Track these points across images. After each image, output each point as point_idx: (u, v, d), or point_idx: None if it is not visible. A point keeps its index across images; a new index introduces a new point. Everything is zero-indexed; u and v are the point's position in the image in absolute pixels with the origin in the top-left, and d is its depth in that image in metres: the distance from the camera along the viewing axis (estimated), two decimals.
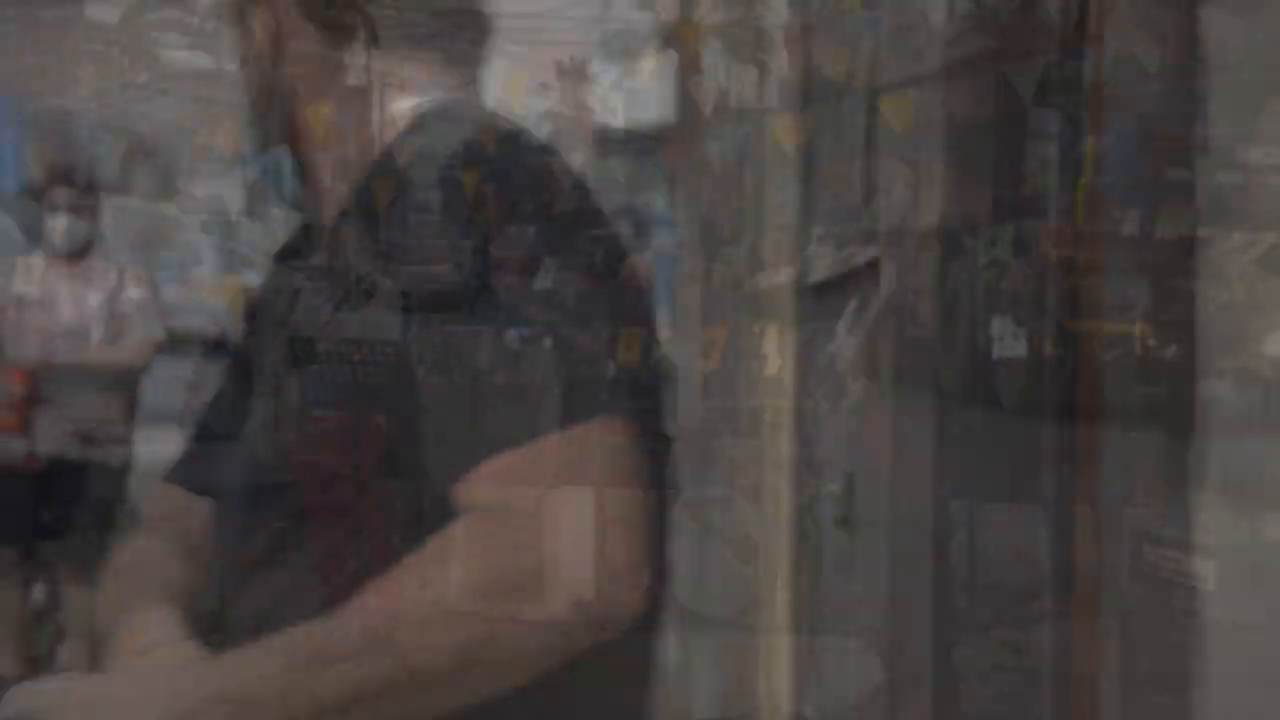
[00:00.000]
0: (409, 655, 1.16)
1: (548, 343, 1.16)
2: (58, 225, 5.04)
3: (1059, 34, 2.02)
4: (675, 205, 4.85)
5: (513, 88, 3.07)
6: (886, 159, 2.81)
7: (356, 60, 1.34)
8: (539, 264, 1.18)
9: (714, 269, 4.04)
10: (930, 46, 2.58)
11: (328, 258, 1.34)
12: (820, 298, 3.38)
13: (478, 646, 1.17)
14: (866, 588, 2.90)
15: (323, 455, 1.24)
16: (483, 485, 1.17)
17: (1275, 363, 1.62)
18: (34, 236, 5.17)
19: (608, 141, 8.89)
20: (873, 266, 2.92)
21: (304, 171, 1.43)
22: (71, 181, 5.06)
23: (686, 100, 4.24)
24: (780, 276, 3.54)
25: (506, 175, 1.25)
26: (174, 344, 5.27)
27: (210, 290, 9.31)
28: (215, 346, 2.76)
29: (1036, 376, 2.06)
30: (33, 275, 5.06)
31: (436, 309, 1.20)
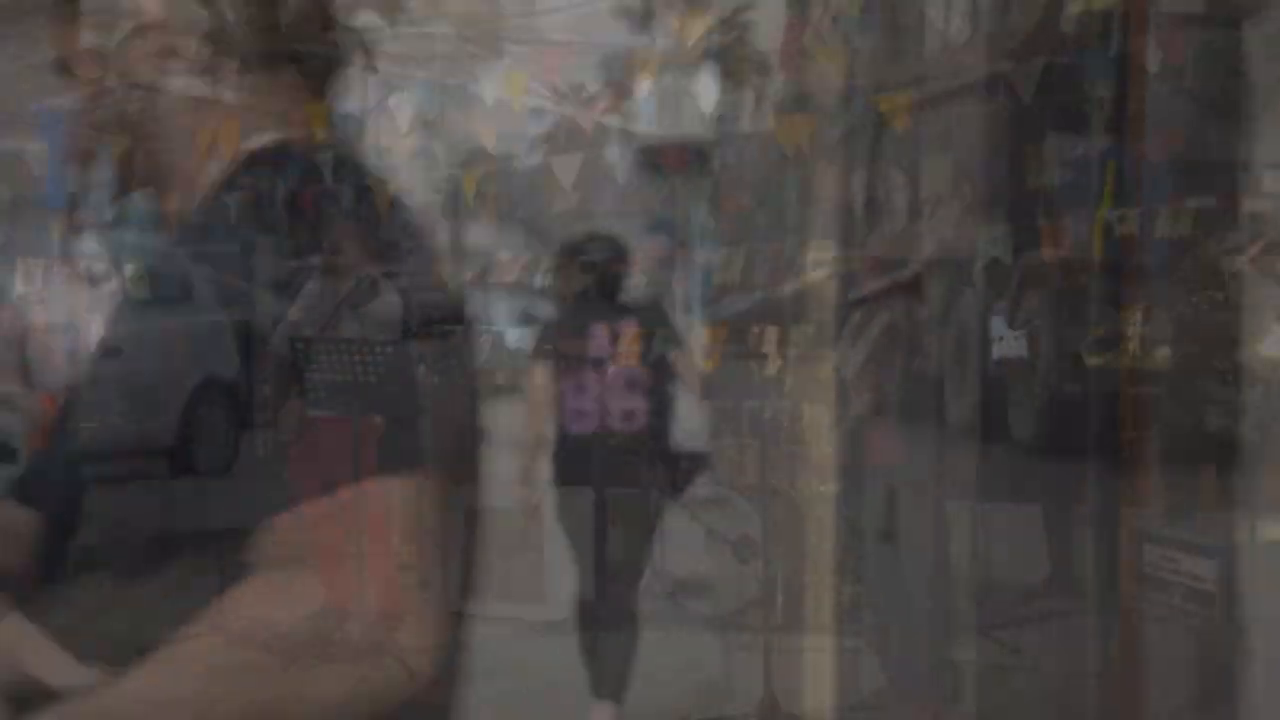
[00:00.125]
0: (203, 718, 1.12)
1: (349, 407, 1.14)
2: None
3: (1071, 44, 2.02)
4: (715, 219, 4.82)
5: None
6: (893, 174, 2.82)
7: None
8: (340, 318, 1.15)
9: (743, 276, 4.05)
10: (943, 69, 2.58)
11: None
12: (825, 308, 3.39)
13: (276, 705, 1.14)
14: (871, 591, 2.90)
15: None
16: (277, 538, 1.16)
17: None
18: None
19: (646, 153, 8.84)
20: (879, 288, 2.93)
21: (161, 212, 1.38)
22: None
23: (719, 117, 4.24)
24: (789, 285, 3.55)
25: (329, 221, 1.22)
26: None
27: None
28: None
29: (1051, 414, 2.05)
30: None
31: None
